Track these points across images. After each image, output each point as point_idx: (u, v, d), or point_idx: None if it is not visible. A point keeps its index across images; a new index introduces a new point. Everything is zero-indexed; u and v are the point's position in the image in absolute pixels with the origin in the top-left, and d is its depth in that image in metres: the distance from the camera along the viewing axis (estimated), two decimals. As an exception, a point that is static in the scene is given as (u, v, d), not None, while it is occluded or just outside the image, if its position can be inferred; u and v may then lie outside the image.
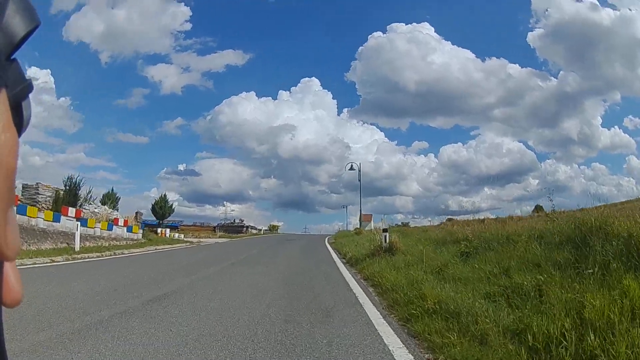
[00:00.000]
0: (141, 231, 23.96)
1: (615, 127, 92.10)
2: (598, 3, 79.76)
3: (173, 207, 60.49)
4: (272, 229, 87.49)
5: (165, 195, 60.87)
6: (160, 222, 57.04)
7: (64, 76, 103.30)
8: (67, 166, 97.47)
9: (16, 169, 0.36)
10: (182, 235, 40.24)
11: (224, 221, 75.56)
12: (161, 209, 58.23)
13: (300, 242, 28.53)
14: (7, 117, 0.36)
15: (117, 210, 57.31)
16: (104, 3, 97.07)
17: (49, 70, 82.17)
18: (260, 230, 76.39)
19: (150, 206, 58.43)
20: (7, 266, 0.39)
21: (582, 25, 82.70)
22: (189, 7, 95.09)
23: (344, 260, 14.42)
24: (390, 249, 10.85)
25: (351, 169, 32.30)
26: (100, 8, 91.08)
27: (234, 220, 75.65)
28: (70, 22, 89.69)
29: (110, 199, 57.96)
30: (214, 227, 71.70)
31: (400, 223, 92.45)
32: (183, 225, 66.70)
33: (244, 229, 70.57)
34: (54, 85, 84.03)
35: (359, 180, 32.76)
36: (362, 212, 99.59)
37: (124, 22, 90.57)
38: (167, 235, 39.07)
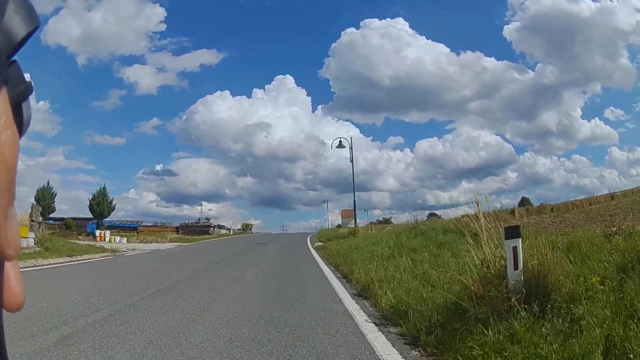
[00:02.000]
0: (33, 235, 16.18)
1: (596, 118, 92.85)
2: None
3: (114, 204, 52.72)
4: (246, 228, 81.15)
5: (104, 188, 52.61)
6: (99, 222, 48.53)
7: (43, 80, 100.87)
8: (47, 169, 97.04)
9: (17, 167, 0.37)
10: (125, 240, 32.54)
11: (188, 221, 67.65)
12: (99, 205, 49.28)
13: (274, 248, 21.72)
14: (7, 116, 0.36)
15: (54, 206, 50.71)
16: (81, 6, 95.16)
17: (28, 74, 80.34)
18: (230, 230, 68.19)
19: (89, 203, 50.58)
20: (9, 268, 0.39)
21: (560, 17, 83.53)
22: (163, 8, 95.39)
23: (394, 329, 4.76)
24: (534, 290, 3.50)
25: (339, 145, 24.91)
26: (78, 11, 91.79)
27: (199, 220, 67.51)
28: (48, 26, 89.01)
29: (44, 195, 50.13)
30: (177, 228, 64.14)
31: (381, 219, 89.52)
32: (142, 226, 61.02)
33: (211, 229, 62.58)
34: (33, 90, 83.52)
35: (351, 161, 25.98)
36: (342, 208, 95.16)
37: (100, 24, 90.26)
38: (107, 238, 32.18)
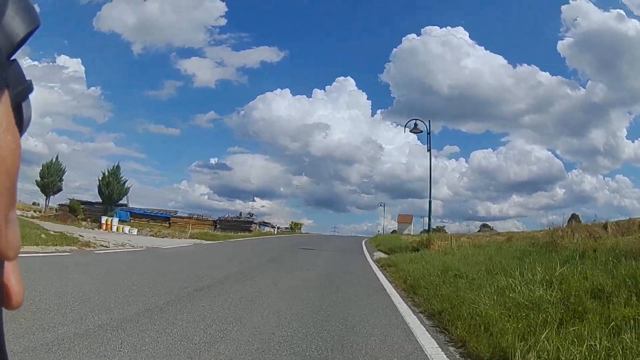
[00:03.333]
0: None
1: None
2: (624, 14, 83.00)
3: (127, 186, 46.90)
4: (294, 227, 76.70)
5: (117, 167, 46.62)
6: (110, 207, 43.09)
7: (95, 66, 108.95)
8: (95, 155, 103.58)
9: (18, 169, 0.37)
10: (135, 231, 28.10)
11: (228, 215, 62.96)
12: (108, 187, 43.66)
13: (319, 259, 15.85)
14: (9, 118, 0.37)
15: (61, 185, 45.30)
16: None
17: (79, 59, 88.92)
18: (275, 228, 62.66)
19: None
20: (8, 267, 0.40)
21: (609, 35, 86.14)
22: (224, 3, 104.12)
23: None
24: None
25: (414, 129, 18.63)
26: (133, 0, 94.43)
27: (240, 214, 62.59)
28: (101, 12, 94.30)
29: (49, 171, 43.33)
30: (214, 222, 59.79)
31: (435, 227, 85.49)
32: (176, 217, 57.05)
33: (253, 225, 57.36)
34: (84, 75, 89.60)
35: (429, 150, 19.25)
36: (398, 213, 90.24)
37: (156, 14, 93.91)
38: (115, 227, 28.31)
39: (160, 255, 14.01)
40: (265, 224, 64.65)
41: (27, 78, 0.40)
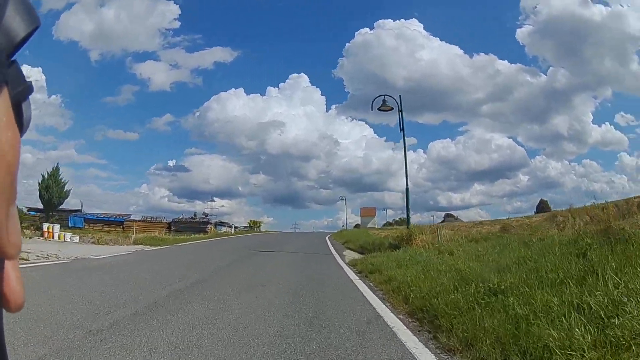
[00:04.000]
0: None
1: (607, 123, 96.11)
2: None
3: (66, 190, 42.83)
4: (253, 225, 73.18)
5: (56, 169, 42.69)
6: (51, 213, 39.59)
7: (55, 74, 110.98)
8: (59, 163, 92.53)
9: (18, 166, 0.37)
10: (77, 238, 24.97)
11: (182, 216, 59.03)
12: (48, 190, 39.88)
13: (278, 266, 13.66)
14: (8, 115, 0.37)
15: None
16: (94, 2, 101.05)
17: (40, 68, 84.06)
18: (232, 228, 58.56)
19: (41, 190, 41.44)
20: (9, 267, 0.40)
21: (571, 21, 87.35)
22: (177, 5, 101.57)
23: None
24: None
25: (383, 106, 15.66)
26: (90, 7, 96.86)
27: (195, 215, 58.62)
28: (60, 21, 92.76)
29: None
30: (169, 224, 56.38)
31: (398, 219, 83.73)
32: (129, 221, 54.14)
33: (208, 226, 53.57)
34: (45, 84, 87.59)
35: (402, 129, 16.22)
36: (362, 207, 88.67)
37: (113, 20, 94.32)
38: (56, 235, 25.50)
39: (79, 269, 10.52)
40: (222, 223, 60.92)
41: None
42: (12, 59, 0.38)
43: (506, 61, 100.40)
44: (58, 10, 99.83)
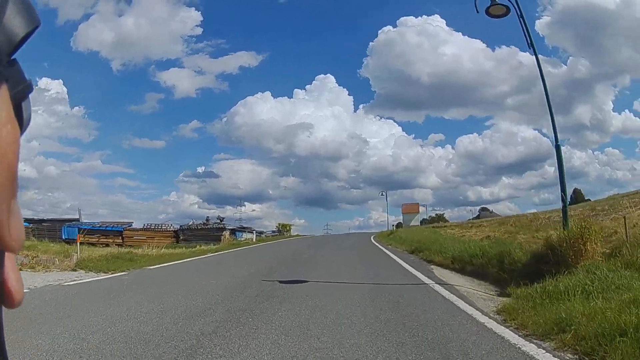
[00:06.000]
0: None
1: (626, 111, 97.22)
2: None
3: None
4: (283, 229, 66.23)
5: None
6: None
7: (76, 86, 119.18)
8: (84, 174, 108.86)
9: (18, 161, 0.38)
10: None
11: (193, 221, 51.48)
12: None
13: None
14: (8, 111, 0.37)
15: None
16: (112, 11, 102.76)
17: (60, 80, 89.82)
18: (255, 234, 49.21)
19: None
20: (8, 266, 0.40)
21: (587, 10, 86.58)
22: (199, 12, 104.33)
23: None
24: None
25: (493, 6, 7.11)
26: (108, 17, 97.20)
27: (207, 219, 51.00)
28: (78, 32, 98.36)
29: None
30: (175, 231, 49.05)
31: (434, 215, 75.81)
32: (130, 230, 47.84)
33: (225, 232, 45.79)
34: (66, 96, 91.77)
35: (530, 44, 7.73)
36: (404, 203, 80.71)
37: (132, 29, 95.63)
38: None
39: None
40: (242, 229, 52.81)
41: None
42: (12, 58, 0.37)
43: (527, 53, 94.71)
44: (75, 21, 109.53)
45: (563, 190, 8.97)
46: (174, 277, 10.70)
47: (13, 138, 0.36)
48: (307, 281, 8.83)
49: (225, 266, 13.33)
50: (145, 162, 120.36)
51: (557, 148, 9.30)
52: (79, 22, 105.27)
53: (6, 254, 0.39)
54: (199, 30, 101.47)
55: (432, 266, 11.15)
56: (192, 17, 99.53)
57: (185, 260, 17.19)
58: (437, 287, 7.69)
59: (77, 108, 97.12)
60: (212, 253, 22.36)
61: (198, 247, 31.49)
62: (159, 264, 14.59)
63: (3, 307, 0.42)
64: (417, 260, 12.82)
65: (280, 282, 8.80)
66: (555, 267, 7.31)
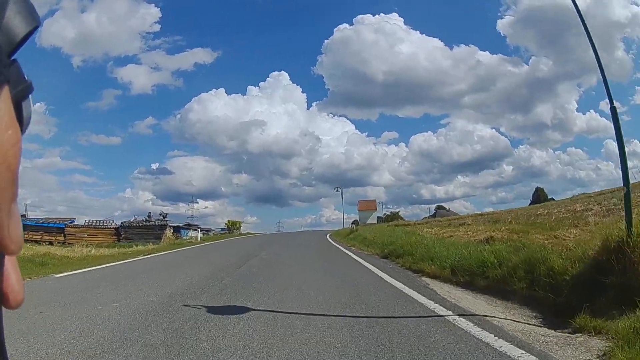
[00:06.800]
0: None
1: (591, 111, 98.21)
2: (574, -14, 64.01)
3: None
4: (232, 226, 62.65)
5: None
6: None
7: (38, 82, 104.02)
8: (44, 171, 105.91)
9: (19, 163, 0.37)
10: None
11: (135, 217, 47.78)
12: None
13: None
14: (10, 115, 0.37)
15: None
16: (75, 8, 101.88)
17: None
18: (198, 233, 45.07)
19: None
20: (9, 265, 0.40)
21: (554, 9, 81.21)
22: (158, 9, 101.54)
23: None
24: None
25: None
26: (72, 13, 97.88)
27: (149, 215, 46.81)
28: (43, 28, 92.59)
29: None
30: (116, 229, 45.93)
31: (389, 213, 74.33)
32: (71, 226, 45.52)
33: (167, 229, 41.95)
34: None
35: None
36: (360, 200, 78.79)
37: (94, 26, 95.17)
38: None
39: None
40: (188, 226, 48.84)
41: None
42: (12, 58, 0.37)
43: (487, 52, 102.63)
44: (41, 17, 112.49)
45: (624, 171, 6.18)
46: (66, 295, 7.13)
47: (15, 139, 0.36)
48: (252, 309, 5.61)
49: (147, 277, 9.87)
50: (102, 159, 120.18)
51: (613, 111, 6.51)
52: (44, 18, 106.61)
53: (6, 255, 0.38)
54: (157, 27, 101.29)
55: (426, 279, 8.12)
56: (152, 13, 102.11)
57: (106, 265, 13.56)
58: (464, 323, 4.65)
59: (38, 104, 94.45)
60: (143, 255, 18.62)
61: (135, 247, 28.30)
62: (76, 270, 11.10)
63: (3, 308, 0.40)
64: (398, 270, 9.75)
65: (210, 310, 5.58)
66: (623, 278, 4.83)
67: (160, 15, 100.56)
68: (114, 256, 18.06)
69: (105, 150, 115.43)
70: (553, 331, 4.58)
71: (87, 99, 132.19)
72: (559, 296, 5.41)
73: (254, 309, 5.60)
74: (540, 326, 4.91)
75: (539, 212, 14.01)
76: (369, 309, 5.49)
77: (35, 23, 0.39)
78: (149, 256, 18.33)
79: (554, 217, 11.14)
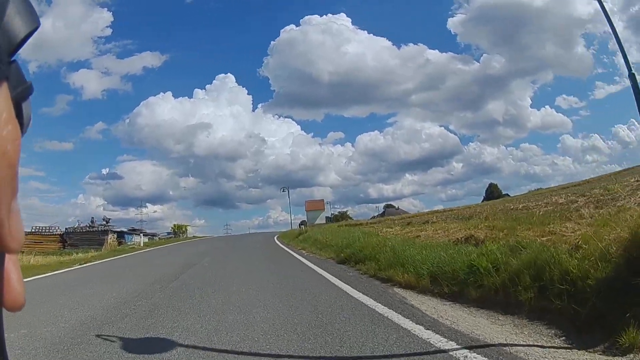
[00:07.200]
0: None
1: (547, 107, 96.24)
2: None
3: None
4: (179, 230, 61.03)
5: None
6: None
7: None
8: None
9: (19, 161, 0.38)
10: None
11: (79, 223, 44.92)
12: None
13: None
14: (9, 111, 0.37)
15: None
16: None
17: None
18: (141, 238, 42.27)
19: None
20: (9, 266, 0.39)
21: (509, 8, 79.71)
22: (111, 12, 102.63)
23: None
24: None
25: None
26: None
27: (92, 220, 44.03)
28: None
29: None
30: (61, 235, 43.07)
31: (337, 213, 73.19)
32: None
33: (109, 236, 39.38)
34: None
35: None
36: (308, 200, 76.80)
37: (49, 31, 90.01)
38: None
39: None
40: (133, 231, 46.19)
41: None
42: (12, 58, 0.37)
43: (437, 50, 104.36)
44: None
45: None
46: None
47: (15, 135, 0.36)
48: (179, 344, 3.99)
49: (70, 294, 8.09)
50: (55, 165, 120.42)
51: (632, 77, 5.29)
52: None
53: (7, 254, 0.38)
54: (109, 31, 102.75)
55: (399, 290, 6.58)
56: (104, 17, 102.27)
57: (34, 277, 12.24)
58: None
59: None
60: (80, 265, 16.88)
61: (76, 254, 26.37)
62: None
63: (3, 308, 0.39)
64: (362, 279, 8.10)
65: (125, 346, 4.15)
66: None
67: (112, 19, 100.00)
68: (50, 266, 16.90)
69: (58, 156, 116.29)
70: (595, 354, 3.25)
71: (42, 105, 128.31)
72: (582, 307, 4.07)
73: (182, 345, 4.00)
74: (571, 348, 3.56)
75: (513, 207, 12.89)
76: (337, 343, 3.85)
77: (35, 24, 0.38)
78: (85, 265, 16.84)
79: (542, 211, 9.96)
